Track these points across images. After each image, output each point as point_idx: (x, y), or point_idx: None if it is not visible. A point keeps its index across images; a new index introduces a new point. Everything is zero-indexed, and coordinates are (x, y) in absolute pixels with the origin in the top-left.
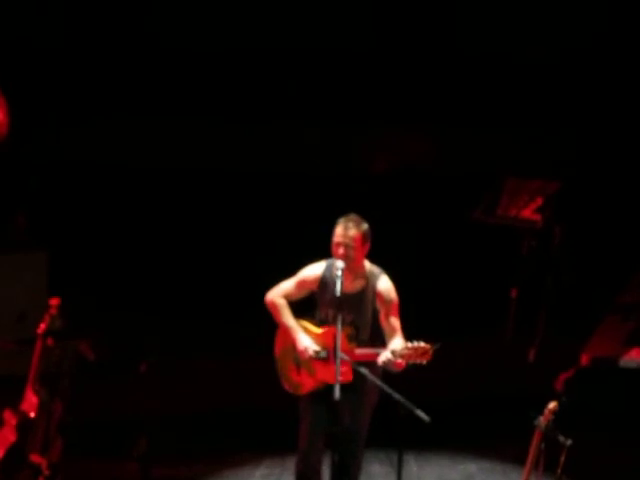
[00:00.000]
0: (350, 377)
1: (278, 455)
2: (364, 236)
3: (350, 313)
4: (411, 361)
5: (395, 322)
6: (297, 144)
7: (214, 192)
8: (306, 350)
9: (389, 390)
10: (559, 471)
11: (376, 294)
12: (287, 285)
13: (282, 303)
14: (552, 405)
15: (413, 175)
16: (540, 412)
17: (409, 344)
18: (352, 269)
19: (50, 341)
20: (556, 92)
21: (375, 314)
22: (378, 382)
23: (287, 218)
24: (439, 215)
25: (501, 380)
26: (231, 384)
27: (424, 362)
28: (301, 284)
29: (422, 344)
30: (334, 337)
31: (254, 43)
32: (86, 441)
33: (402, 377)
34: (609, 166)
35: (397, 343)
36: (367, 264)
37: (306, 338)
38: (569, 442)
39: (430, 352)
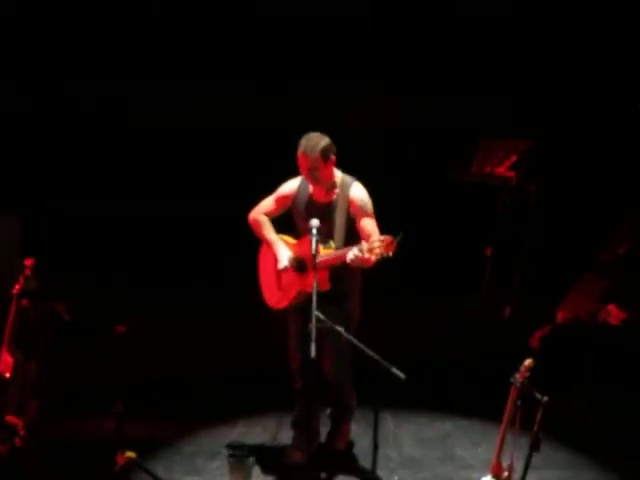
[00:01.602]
0: (327, 286)
1: (256, 415)
2: (323, 155)
3: (325, 223)
4: (378, 254)
5: (370, 226)
6: (280, 103)
7: (193, 151)
8: (281, 260)
9: (364, 347)
10: (536, 428)
11: (349, 202)
12: (266, 202)
13: (263, 219)
14: (528, 362)
15: (389, 133)
16: (516, 369)
17: (373, 238)
18: (323, 183)
19: (25, 302)
20: (527, 49)
21: (351, 222)
22: (353, 340)
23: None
24: (413, 173)
25: (477, 338)
26: (206, 346)
27: (390, 254)
28: (278, 200)
29: (386, 236)
30: (308, 245)
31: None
32: (62, 402)
33: (377, 334)
34: (584, 121)
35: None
36: (338, 173)
37: (285, 249)
38: (545, 399)
39: (394, 243)
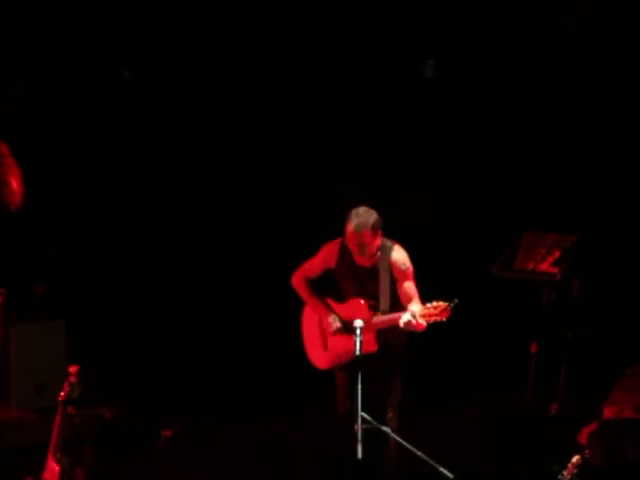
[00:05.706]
0: (375, 347)
1: None
2: (374, 230)
3: (370, 285)
4: (432, 320)
5: (411, 288)
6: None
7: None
8: (331, 325)
9: (412, 448)
10: None
11: (391, 265)
12: (309, 264)
13: (305, 281)
14: (575, 459)
15: (429, 230)
16: (564, 466)
17: (427, 304)
18: (368, 255)
19: (70, 409)
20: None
21: (394, 285)
22: (401, 441)
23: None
24: (456, 269)
25: (523, 434)
26: (255, 453)
27: (444, 319)
28: (320, 261)
29: (440, 303)
30: (356, 308)
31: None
32: None
33: (424, 435)
34: (626, 215)
35: (416, 306)
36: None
37: (330, 313)
38: None
39: (449, 309)
